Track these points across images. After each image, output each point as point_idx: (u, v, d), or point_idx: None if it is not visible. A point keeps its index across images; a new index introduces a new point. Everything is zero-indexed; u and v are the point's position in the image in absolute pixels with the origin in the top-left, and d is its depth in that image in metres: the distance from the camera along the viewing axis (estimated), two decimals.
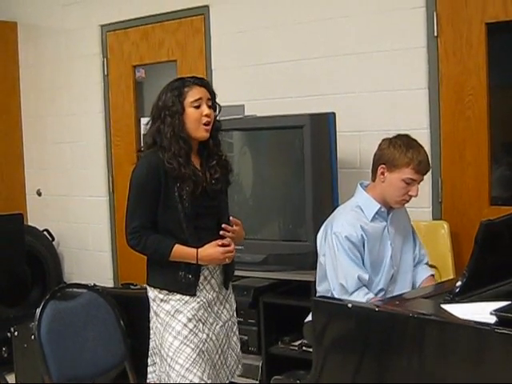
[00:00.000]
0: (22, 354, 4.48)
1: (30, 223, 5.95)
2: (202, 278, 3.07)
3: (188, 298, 3.04)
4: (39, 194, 6.17)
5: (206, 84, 3.13)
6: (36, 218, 6.07)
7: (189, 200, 3.00)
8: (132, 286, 4.72)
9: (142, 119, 5.34)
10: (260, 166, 4.30)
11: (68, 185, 5.96)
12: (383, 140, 3.30)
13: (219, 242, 3.04)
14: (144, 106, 5.48)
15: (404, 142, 3.22)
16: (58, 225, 6.01)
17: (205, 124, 3.05)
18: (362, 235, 3.19)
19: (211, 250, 3.02)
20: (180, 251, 3.01)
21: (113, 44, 5.62)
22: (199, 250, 3.01)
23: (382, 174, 3.23)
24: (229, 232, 3.06)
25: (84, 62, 5.75)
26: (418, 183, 3.23)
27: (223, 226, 3.05)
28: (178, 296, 3.04)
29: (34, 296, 5.53)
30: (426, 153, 3.24)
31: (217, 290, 3.13)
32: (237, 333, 3.27)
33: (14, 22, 6.15)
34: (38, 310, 3.12)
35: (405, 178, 3.17)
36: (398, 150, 3.18)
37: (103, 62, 5.68)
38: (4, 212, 5.48)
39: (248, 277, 4.18)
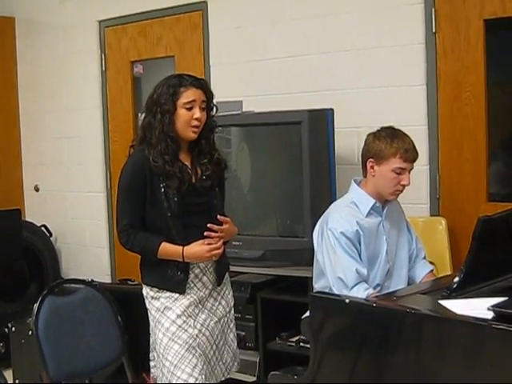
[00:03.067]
0: (20, 350, 4.48)
1: (27, 219, 5.94)
2: (192, 275, 3.07)
3: (178, 295, 3.05)
4: (37, 189, 6.17)
5: (203, 86, 3.10)
6: (34, 214, 6.06)
7: (175, 197, 3.00)
8: (129, 282, 4.71)
9: (139, 115, 5.33)
10: (258, 162, 4.29)
11: (66, 180, 5.96)
12: (368, 135, 3.32)
13: (206, 241, 3.02)
14: (142, 101, 5.41)
15: (388, 133, 3.24)
16: (55, 220, 6.00)
17: (193, 126, 3.04)
18: (357, 230, 3.19)
19: (197, 248, 3.01)
20: (166, 249, 3.01)
21: (111, 39, 5.62)
22: (185, 248, 3.00)
23: (372, 167, 3.24)
24: (216, 231, 3.04)
25: (82, 57, 5.74)
26: (409, 172, 3.23)
27: (209, 225, 3.03)
28: (168, 293, 3.06)
29: (31, 292, 5.53)
30: (411, 141, 3.25)
31: (210, 287, 3.14)
32: (234, 330, 3.27)
33: (12, 18, 6.14)
34: (36, 306, 3.12)
35: (394, 168, 3.18)
36: (382, 142, 3.21)
37: (101, 57, 5.67)
38: (1, 208, 5.47)
39: (246, 273, 4.19)
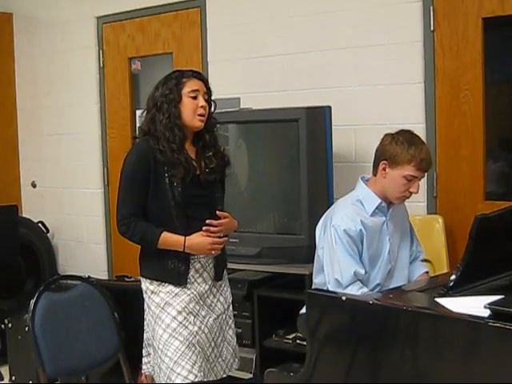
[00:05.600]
0: (16, 346, 4.48)
1: (24, 215, 5.93)
2: (193, 270, 3.08)
3: (178, 290, 3.05)
4: (34, 185, 6.16)
5: (203, 78, 3.16)
6: (31, 210, 6.06)
7: (179, 187, 3.01)
8: (126, 278, 4.73)
9: (137, 111, 5.33)
10: (255, 159, 4.29)
11: (63, 177, 5.95)
12: (386, 135, 3.27)
13: (204, 233, 3.02)
14: (139, 98, 5.47)
15: (406, 138, 3.19)
16: (52, 217, 6.00)
17: (200, 115, 3.06)
18: (361, 229, 3.17)
19: (199, 239, 3.02)
20: (167, 238, 3.01)
21: (109, 36, 5.61)
22: (187, 238, 3.01)
23: (384, 169, 3.20)
24: (215, 226, 3.05)
25: (80, 53, 5.73)
26: (419, 180, 3.22)
27: (207, 221, 3.04)
28: (168, 288, 3.05)
29: (28, 288, 5.52)
30: (428, 150, 3.22)
31: (209, 282, 3.14)
32: (232, 326, 3.27)
33: (10, 13, 6.13)
34: (32, 302, 3.11)
35: (406, 175, 3.15)
36: (400, 147, 3.16)
37: (99, 53, 5.66)
38: None
39: (242, 270, 4.18)
